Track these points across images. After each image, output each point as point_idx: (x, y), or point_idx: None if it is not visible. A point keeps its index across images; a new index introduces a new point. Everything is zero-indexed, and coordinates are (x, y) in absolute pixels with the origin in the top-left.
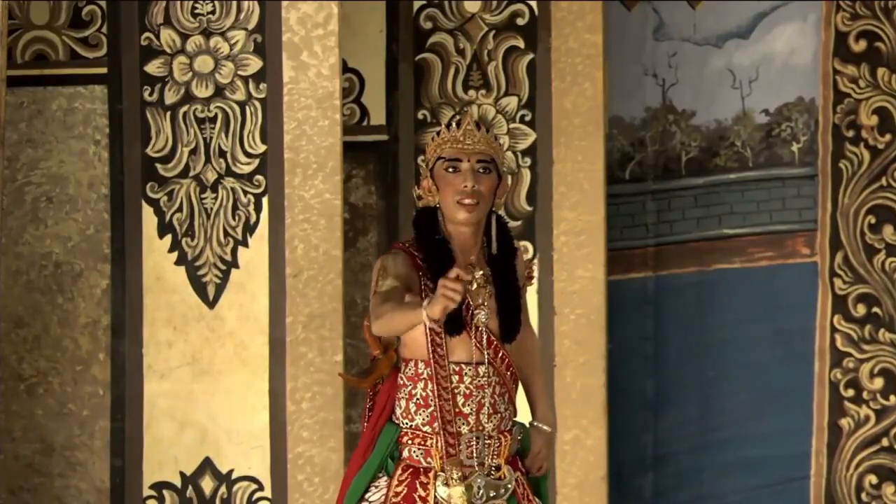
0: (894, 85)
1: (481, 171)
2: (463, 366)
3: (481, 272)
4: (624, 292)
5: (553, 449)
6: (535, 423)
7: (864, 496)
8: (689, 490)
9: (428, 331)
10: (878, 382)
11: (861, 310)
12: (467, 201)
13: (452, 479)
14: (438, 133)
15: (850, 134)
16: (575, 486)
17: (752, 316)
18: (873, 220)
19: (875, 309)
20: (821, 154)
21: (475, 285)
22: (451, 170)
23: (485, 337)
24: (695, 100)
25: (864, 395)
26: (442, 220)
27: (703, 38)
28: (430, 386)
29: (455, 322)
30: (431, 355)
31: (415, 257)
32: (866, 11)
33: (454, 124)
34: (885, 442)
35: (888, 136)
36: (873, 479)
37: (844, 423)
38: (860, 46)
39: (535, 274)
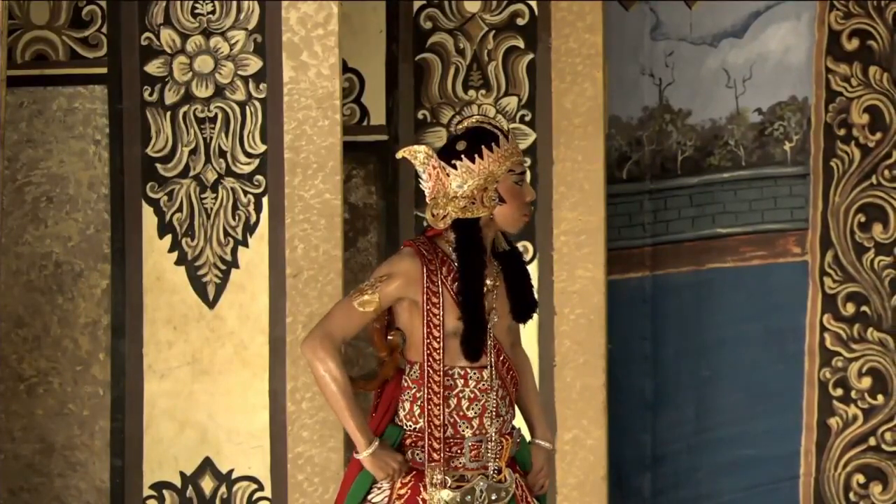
0: (886, 83)
1: None
2: (468, 369)
3: (489, 280)
4: (621, 292)
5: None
6: (537, 441)
7: (852, 495)
8: (687, 490)
9: (425, 334)
10: (867, 381)
11: (850, 308)
12: (527, 213)
13: (434, 483)
14: (496, 141)
15: (842, 132)
16: (575, 486)
17: (745, 315)
18: (863, 219)
19: (864, 308)
20: (812, 153)
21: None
22: (519, 183)
23: (490, 341)
24: (691, 99)
25: (853, 394)
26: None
27: (700, 38)
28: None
29: (475, 349)
30: (426, 359)
31: (424, 258)
32: (859, 10)
33: (503, 136)
34: (872, 441)
35: (879, 135)
36: (861, 478)
37: (833, 422)
38: (853, 45)
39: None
